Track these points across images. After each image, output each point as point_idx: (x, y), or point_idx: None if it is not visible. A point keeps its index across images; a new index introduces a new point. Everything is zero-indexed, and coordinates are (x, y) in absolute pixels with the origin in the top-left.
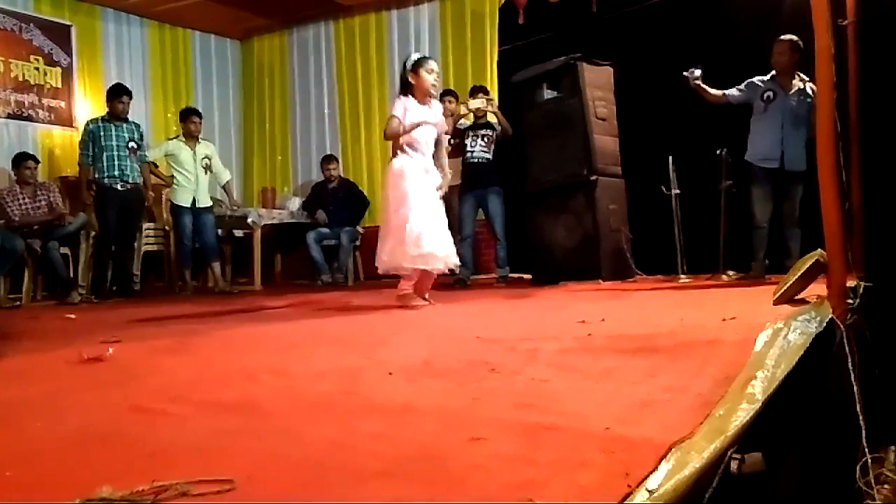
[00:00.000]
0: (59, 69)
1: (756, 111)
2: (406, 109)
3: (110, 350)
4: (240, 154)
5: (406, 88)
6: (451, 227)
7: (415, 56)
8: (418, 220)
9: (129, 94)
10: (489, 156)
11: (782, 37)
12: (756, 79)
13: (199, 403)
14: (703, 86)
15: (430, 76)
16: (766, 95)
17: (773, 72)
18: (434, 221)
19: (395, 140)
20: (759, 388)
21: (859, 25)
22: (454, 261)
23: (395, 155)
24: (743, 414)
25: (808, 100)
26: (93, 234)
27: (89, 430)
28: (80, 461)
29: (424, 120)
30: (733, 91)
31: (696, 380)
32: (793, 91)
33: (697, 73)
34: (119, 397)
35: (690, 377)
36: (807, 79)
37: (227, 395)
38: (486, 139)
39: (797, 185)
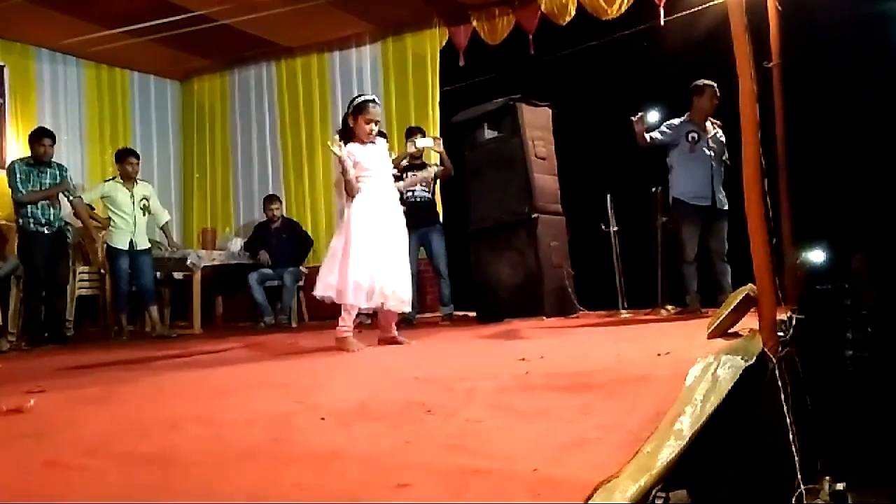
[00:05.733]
0: None
1: (681, 151)
2: (353, 158)
3: (31, 401)
4: (179, 195)
5: (347, 131)
6: None
7: (359, 100)
8: (364, 262)
9: (51, 136)
10: (429, 195)
11: (707, 82)
12: (675, 121)
13: (118, 456)
14: (645, 132)
15: (367, 126)
16: (690, 136)
17: (688, 114)
18: (385, 261)
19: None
20: (686, 424)
21: (784, 67)
22: (402, 305)
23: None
24: (669, 450)
25: (722, 140)
26: (22, 279)
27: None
28: None
29: (370, 169)
30: (656, 134)
31: (629, 417)
32: (710, 133)
33: (649, 119)
34: (34, 452)
35: (623, 414)
36: (717, 122)
37: (147, 446)
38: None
39: (723, 222)
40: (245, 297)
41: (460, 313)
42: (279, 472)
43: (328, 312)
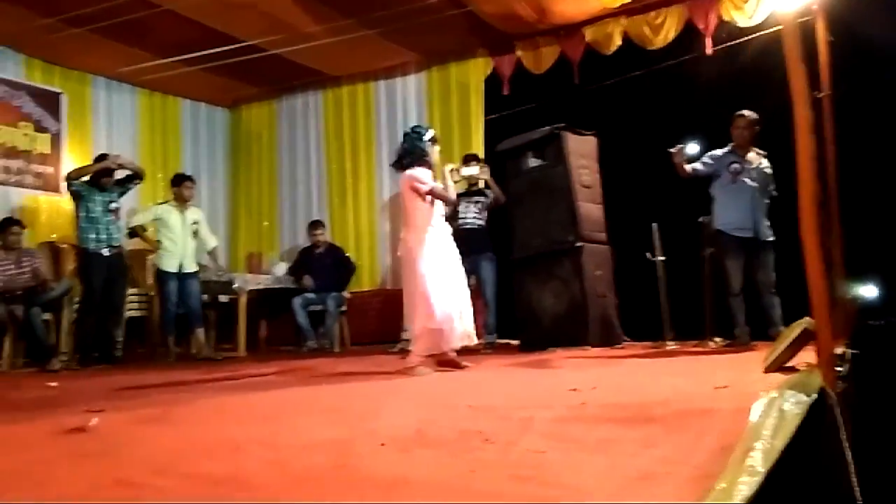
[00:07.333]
0: (48, 135)
1: (723, 182)
2: (429, 185)
3: (94, 420)
4: (226, 219)
5: (420, 159)
6: None
7: (432, 131)
8: (444, 299)
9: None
10: (482, 222)
11: (744, 112)
12: (717, 151)
13: (186, 477)
14: (686, 163)
15: (437, 156)
16: (732, 167)
17: (732, 144)
18: (454, 297)
19: (424, 211)
20: (759, 460)
21: (834, 98)
22: (471, 339)
23: (415, 227)
24: (745, 487)
25: (768, 171)
26: (76, 299)
27: None
28: None
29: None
30: (698, 165)
31: (694, 451)
32: (753, 164)
33: (689, 151)
34: (103, 470)
35: (688, 448)
36: (762, 153)
37: (214, 467)
38: (478, 206)
39: (769, 254)
40: (289, 321)
41: (502, 341)
42: (347, 497)
43: (369, 338)
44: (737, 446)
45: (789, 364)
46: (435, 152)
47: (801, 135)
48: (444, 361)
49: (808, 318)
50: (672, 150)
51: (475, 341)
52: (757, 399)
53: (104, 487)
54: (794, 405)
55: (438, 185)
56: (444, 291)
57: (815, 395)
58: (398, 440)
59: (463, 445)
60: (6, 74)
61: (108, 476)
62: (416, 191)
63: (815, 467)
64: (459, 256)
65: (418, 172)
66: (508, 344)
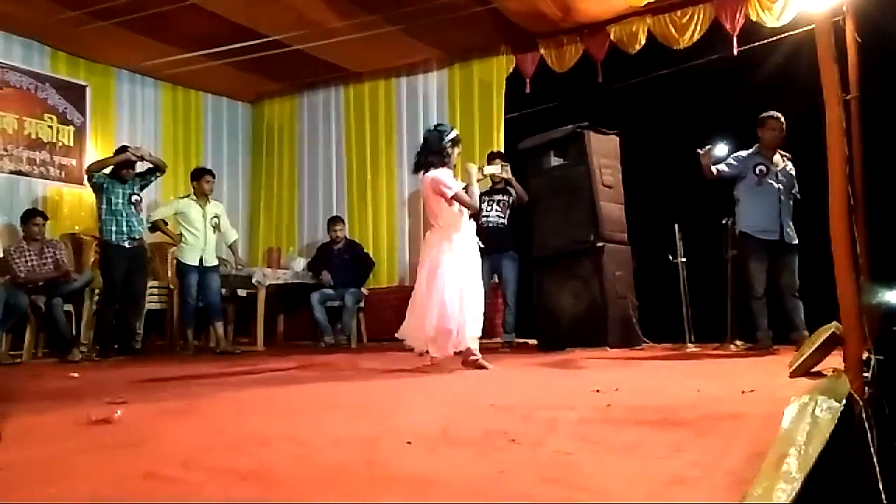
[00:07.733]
0: (72, 128)
1: (749, 184)
2: (455, 188)
3: (118, 412)
4: (246, 214)
5: (443, 159)
6: None
7: (454, 132)
8: (456, 303)
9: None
10: (504, 220)
11: (773, 114)
12: (742, 153)
13: (214, 471)
14: (712, 165)
15: (457, 157)
16: (758, 169)
17: (757, 146)
18: (465, 302)
19: (450, 213)
20: (794, 466)
21: (862, 100)
22: (470, 343)
23: (441, 228)
24: (782, 494)
25: (792, 173)
26: (97, 291)
27: (103, 496)
28: None
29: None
30: (723, 166)
31: (726, 456)
32: (778, 166)
33: (717, 153)
34: (131, 462)
35: (719, 453)
36: (787, 155)
37: (241, 462)
38: (501, 204)
39: (793, 257)
40: (306, 316)
41: (520, 340)
42: (376, 495)
43: (386, 334)
44: (770, 451)
45: (815, 369)
46: (455, 154)
47: (832, 136)
48: (469, 363)
49: (835, 323)
50: (700, 151)
51: (462, 348)
52: (787, 404)
53: (132, 480)
54: (827, 411)
55: (462, 191)
56: (457, 296)
57: (844, 401)
58: (424, 438)
59: (489, 445)
60: (32, 66)
61: (135, 468)
62: (441, 195)
63: (843, 474)
64: (480, 258)
65: (442, 174)
66: (526, 343)
